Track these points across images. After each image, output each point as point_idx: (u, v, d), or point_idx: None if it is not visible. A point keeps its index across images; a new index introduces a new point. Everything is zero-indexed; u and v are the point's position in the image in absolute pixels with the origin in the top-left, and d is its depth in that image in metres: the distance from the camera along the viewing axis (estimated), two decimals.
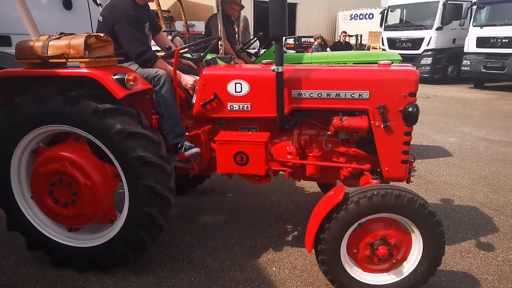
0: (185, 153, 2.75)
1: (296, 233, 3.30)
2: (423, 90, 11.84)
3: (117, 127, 2.36)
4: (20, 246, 3.00)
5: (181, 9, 6.03)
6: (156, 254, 2.92)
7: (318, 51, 12.18)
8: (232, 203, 3.92)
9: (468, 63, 12.55)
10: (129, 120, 2.44)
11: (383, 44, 15.19)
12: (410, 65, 2.72)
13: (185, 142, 2.80)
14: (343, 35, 13.68)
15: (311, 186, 4.28)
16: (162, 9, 5.89)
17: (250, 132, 2.77)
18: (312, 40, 17.49)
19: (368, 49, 20.28)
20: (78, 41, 2.39)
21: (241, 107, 2.68)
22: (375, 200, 2.17)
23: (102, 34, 2.55)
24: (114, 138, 2.37)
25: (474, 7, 12.48)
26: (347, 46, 13.64)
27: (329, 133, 2.65)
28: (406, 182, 2.73)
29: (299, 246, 3.05)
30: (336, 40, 17.26)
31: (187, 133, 2.86)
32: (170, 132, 2.78)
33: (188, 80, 2.86)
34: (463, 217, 3.57)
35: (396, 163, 2.53)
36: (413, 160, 2.69)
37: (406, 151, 2.52)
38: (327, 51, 12.18)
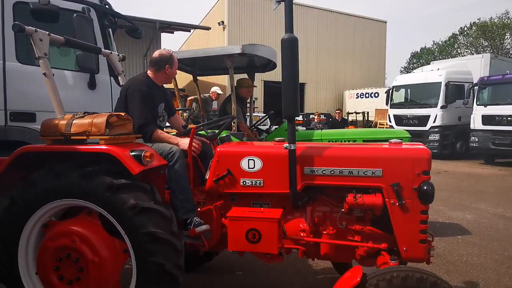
0: (196, 229, 2.70)
1: None
2: (434, 165, 11.59)
3: (130, 202, 2.37)
4: None
5: (196, 89, 6.39)
6: None
7: (317, 128, 12.66)
8: (242, 283, 3.72)
9: (476, 140, 12.67)
10: (143, 195, 2.45)
11: (390, 121, 15.59)
12: (421, 143, 2.76)
13: (195, 218, 2.76)
14: (337, 113, 14.25)
15: (326, 266, 4.08)
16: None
17: (262, 208, 2.74)
18: (322, 116, 18.47)
19: (375, 125, 20.79)
20: (101, 119, 2.51)
21: (253, 183, 2.69)
22: (395, 283, 2.05)
23: (123, 114, 2.69)
24: (126, 213, 2.36)
25: (476, 87, 12.93)
26: (342, 122, 14.11)
27: (343, 210, 2.61)
28: (426, 263, 2.59)
29: None
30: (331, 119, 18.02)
31: (199, 209, 2.84)
32: (180, 208, 2.77)
33: (184, 142, 2.93)
34: None
35: (414, 243, 2.44)
36: (431, 239, 2.59)
37: (424, 230, 2.44)
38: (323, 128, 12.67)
